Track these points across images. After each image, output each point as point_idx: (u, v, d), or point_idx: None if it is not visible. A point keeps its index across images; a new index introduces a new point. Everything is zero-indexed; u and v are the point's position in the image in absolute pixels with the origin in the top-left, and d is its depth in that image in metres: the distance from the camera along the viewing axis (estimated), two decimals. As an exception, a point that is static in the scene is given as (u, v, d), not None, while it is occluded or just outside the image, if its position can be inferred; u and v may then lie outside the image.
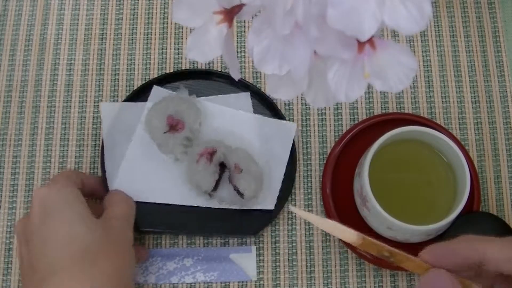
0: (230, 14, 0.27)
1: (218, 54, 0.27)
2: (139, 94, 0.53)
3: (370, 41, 0.25)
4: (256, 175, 0.49)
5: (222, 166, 0.50)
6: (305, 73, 0.26)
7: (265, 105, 0.53)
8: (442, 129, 0.51)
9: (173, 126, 0.50)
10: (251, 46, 0.26)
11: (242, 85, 0.54)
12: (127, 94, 0.54)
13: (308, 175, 0.52)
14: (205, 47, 0.27)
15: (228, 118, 0.53)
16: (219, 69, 0.55)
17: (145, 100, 0.53)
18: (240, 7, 0.26)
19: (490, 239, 0.34)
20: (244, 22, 0.57)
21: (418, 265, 0.34)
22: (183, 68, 0.55)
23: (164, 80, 0.53)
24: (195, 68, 0.55)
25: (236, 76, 0.28)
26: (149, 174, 0.51)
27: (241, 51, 0.57)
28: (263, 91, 0.54)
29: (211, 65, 0.56)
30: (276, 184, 0.51)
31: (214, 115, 0.53)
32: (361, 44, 0.25)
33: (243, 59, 0.56)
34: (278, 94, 0.28)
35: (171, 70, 0.56)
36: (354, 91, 0.25)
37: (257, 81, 0.55)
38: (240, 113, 0.53)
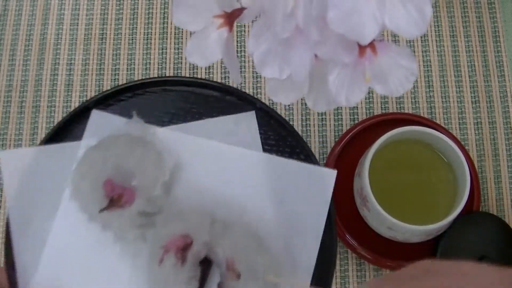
0: (230, 18, 0.27)
1: (218, 58, 0.27)
2: (76, 123, 0.37)
3: (371, 45, 0.25)
4: (268, 282, 0.30)
5: (206, 264, 0.31)
6: (306, 76, 0.26)
7: (278, 131, 0.36)
8: (442, 129, 0.51)
9: (115, 199, 0.32)
10: (251, 51, 0.26)
11: (240, 99, 0.36)
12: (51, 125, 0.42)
13: (308, 175, 0.52)
14: (206, 51, 0.27)
15: (220, 162, 0.34)
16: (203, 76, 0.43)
17: (80, 136, 0.35)
18: (240, 10, 0.26)
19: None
20: (244, 24, 0.57)
21: None
22: (174, 75, 0.45)
23: (113, 97, 0.37)
24: (161, 77, 0.38)
25: (236, 79, 0.28)
26: (87, 270, 0.33)
27: (241, 54, 0.57)
28: (273, 107, 0.39)
29: (194, 70, 0.55)
30: (305, 271, 0.33)
31: (196, 159, 0.33)
32: (362, 48, 0.25)
33: (243, 62, 0.56)
34: (279, 97, 0.28)
35: (171, 71, 0.56)
36: (355, 95, 0.25)
37: (257, 85, 0.55)
38: (240, 152, 0.34)
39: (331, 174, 0.34)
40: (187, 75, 0.55)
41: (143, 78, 0.42)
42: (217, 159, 0.34)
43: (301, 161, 0.35)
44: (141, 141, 0.33)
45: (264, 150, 0.35)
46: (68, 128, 0.37)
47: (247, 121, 0.35)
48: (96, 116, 0.36)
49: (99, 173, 0.32)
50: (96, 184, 0.32)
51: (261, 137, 0.35)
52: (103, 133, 0.35)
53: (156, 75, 0.55)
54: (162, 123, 0.35)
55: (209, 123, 0.35)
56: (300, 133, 0.53)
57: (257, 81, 0.55)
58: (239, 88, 0.40)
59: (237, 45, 0.57)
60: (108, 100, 0.37)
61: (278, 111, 0.54)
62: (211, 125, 0.35)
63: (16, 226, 0.33)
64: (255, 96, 0.44)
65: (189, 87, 0.37)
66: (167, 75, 0.55)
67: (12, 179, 0.34)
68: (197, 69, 0.55)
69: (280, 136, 0.36)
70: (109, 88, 0.55)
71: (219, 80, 0.55)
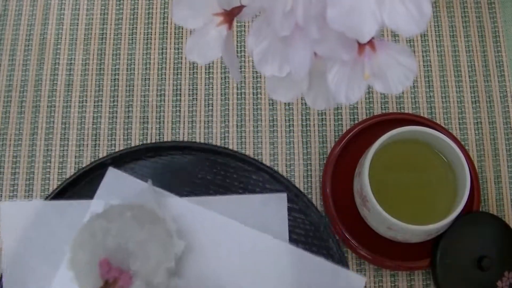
0: (230, 15, 0.27)
1: (218, 56, 0.27)
2: (88, 178, 0.34)
3: (370, 42, 0.25)
4: None
5: None
6: (306, 74, 0.26)
7: (309, 219, 0.32)
8: (442, 129, 0.51)
9: (109, 283, 0.28)
10: (251, 48, 0.26)
11: (272, 177, 0.32)
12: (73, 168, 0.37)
13: (308, 175, 0.52)
14: (205, 49, 0.27)
15: (239, 247, 0.30)
16: (232, 145, 0.37)
17: (91, 194, 0.32)
18: (240, 8, 0.26)
19: None
20: (244, 22, 0.57)
21: None
22: (204, 142, 0.38)
23: (133, 156, 0.34)
24: (190, 142, 0.35)
25: (236, 78, 0.28)
26: None
27: (241, 52, 0.57)
28: (303, 192, 0.33)
29: (194, 70, 0.55)
30: None
31: (212, 240, 0.29)
32: (361, 46, 0.25)
33: (243, 62, 0.56)
34: (278, 95, 0.28)
35: (171, 74, 0.56)
36: (354, 92, 0.25)
37: (257, 84, 0.55)
38: (265, 239, 0.29)
39: (360, 281, 0.30)
40: (187, 75, 0.55)
41: (170, 140, 0.38)
42: (237, 243, 0.30)
43: (330, 259, 0.31)
44: (152, 216, 0.30)
45: (291, 239, 0.31)
46: (79, 182, 0.35)
47: (277, 204, 0.31)
48: (112, 175, 0.34)
49: (98, 247, 0.30)
50: (94, 258, 0.29)
51: (289, 223, 0.31)
52: (116, 194, 0.32)
53: (156, 75, 0.55)
54: (182, 192, 0.32)
55: (234, 199, 0.31)
56: (300, 132, 0.53)
57: (257, 80, 0.55)
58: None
59: (237, 45, 0.57)
60: (126, 158, 0.35)
61: (278, 112, 0.54)
62: (236, 202, 0.31)
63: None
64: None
65: (217, 155, 0.35)
66: (159, 83, 0.55)
67: (11, 235, 0.31)
68: (197, 68, 0.55)
69: (311, 225, 0.32)
70: (108, 86, 0.55)
71: (219, 80, 0.55)
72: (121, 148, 0.53)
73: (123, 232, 0.30)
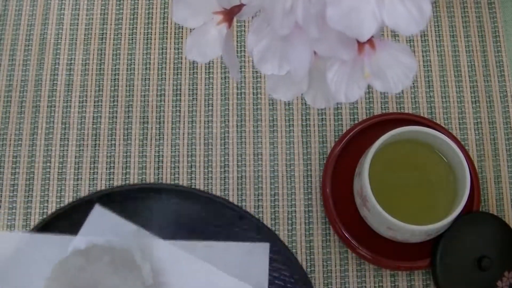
0: (230, 14, 0.27)
1: (217, 55, 0.27)
2: (75, 212, 0.33)
3: (370, 41, 0.25)
4: None
5: None
6: (305, 73, 0.26)
7: (289, 270, 0.32)
8: (442, 129, 0.51)
9: None
10: (251, 47, 0.26)
11: (248, 225, 0.32)
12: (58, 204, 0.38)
13: (308, 175, 0.52)
14: (205, 48, 0.27)
15: None
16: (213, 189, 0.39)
17: (75, 230, 0.32)
18: (240, 7, 0.26)
19: None
20: (244, 22, 0.57)
21: None
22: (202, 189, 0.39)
23: (122, 194, 0.35)
24: (175, 185, 0.36)
25: (236, 77, 0.28)
26: None
27: (241, 51, 0.57)
28: (283, 242, 0.34)
29: (194, 70, 0.55)
30: None
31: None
32: (361, 45, 0.25)
33: (243, 62, 0.56)
34: (278, 94, 0.28)
35: (171, 74, 0.56)
36: (353, 91, 0.25)
37: (257, 84, 0.55)
38: None
39: None
40: (187, 75, 0.55)
41: (156, 183, 0.39)
42: None
43: None
44: (130, 263, 0.29)
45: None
46: (65, 217, 0.34)
47: (259, 254, 0.31)
48: (98, 213, 0.33)
49: (70, 283, 0.29)
50: None
51: (270, 274, 0.31)
52: (100, 233, 0.32)
53: (156, 75, 0.55)
54: (166, 234, 0.32)
55: (217, 246, 0.31)
56: (300, 132, 0.53)
57: (257, 80, 0.55)
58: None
59: (237, 44, 0.57)
60: (114, 196, 0.35)
61: (278, 112, 0.54)
62: (219, 249, 0.31)
63: None
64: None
65: (203, 201, 0.35)
66: (159, 81, 0.55)
67: None
68: (197, 68, 0.55)
69: (289, 276, 0.32)
70: (108, 86, 0.55)
71: (219, 80, 0.55)
72: (121, 147, 0.53)
73: (96, 274, 0.29)
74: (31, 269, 0.31)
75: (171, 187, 0.38)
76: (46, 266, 0.30)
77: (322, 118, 0.54)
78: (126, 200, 0.35)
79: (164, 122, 0.54)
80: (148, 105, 0.55)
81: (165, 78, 0.55)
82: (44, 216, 0.51)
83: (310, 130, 0.54)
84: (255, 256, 0.31)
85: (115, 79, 0.55)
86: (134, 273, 0.29)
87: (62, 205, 0.51)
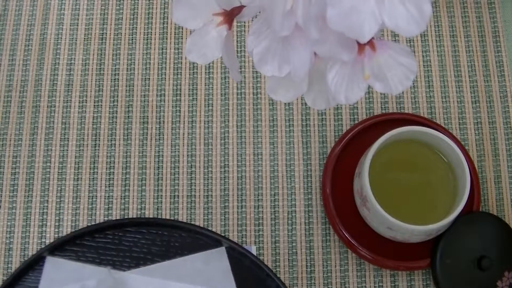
0: (230, 15, 0.27)
1: (217, 56, 0.27)
2: (35, 270, 0.34)
3: (370, 42, 0.25)
4: None
5: None
6: (305, 74, 0.26)
7: (253, 273, 0.32)
8: (442, 129, 0.51)
9: None
10: (251, 48, 0.26)
11: (207, 238, 0.34)
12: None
13: (308, 175, 0.52)
14: (205, 49, 0.27)
15: None
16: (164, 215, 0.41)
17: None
18: (240, 8, 0.26)
19: None
20: (244, 23, 0.57)
21: None
22: (134, 217, 0.41)
23: (71, 241, 0.35)
24: (120, 220, 0.38)
25: (236, 78, 0.28)
26: None
27: (241, 52, 0.57)
28: (243, 244, 0.36)
29: (194, 70, 0.55)
30: None
31: None
32: (361, 46, 0.25)
33: (243, 62, 0.56)
34: (278, 95, 0.28)
35: (171, 74, 0.56)
36: (354, 93, 0.25)
37: (257, 85, 0.55)
38: None
39: None
40: (187, 75, 0.55)
41: (101, 222, 0.41)
42: None
43: None
44: None
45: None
46: (26, 277, 0.35)
47: (218, 259, 0.32)
48: (51, 264, 0.32)
49: None
50: None
51: (235, 278, 0.32)
52: (60, 284, 0.31)
53: (156, 75, 0.55)
54: (125, 266, 0.33)
55: (176, 263, 0.32)
56: (300, 132, 0.53)
57: (257, 80, 0.55)
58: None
59: (237, 45, 0.57)
60: (64, 246, 0.36)
61: (278, 112, 0.54)
62: (179, 265, 0.32)
63: None
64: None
65: (153, 227, 0.36)
66: (159, 83, 0.55)
67: None
68: (197, 68, 0.55)
69: (258, 280, 0.33)
70: (108, 86, 0.55)
71: (219, 80, 0.55)
72: (121, 147, 0.53)
73: None
74: None
75: (116, 222, 0.39)
76: None
77: (322, 118, 0.54)
78: (76, 246, 0.36)
79: (164, 122, 0.54)
80: (148, 105, 0.55)
81: (165, 78, 0.55)
82: (44, 220, 0.51)
83: (310, 130, 0.54)
84: (215, 262, 0.32)
85: (115, 79, 0.55)
86: None
87: (62, 205, 0.52)
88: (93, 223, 0.51)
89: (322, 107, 0.27)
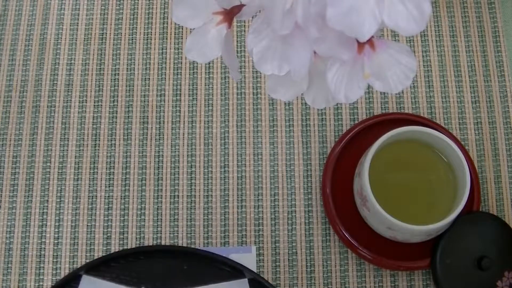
0: (229, 14, 0.27)
1: (217, 55, 0.27)
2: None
3: (370, 41, 0.25)
4: None
5: None
6: (305, 73, 0.26)
7: None
8: (442, 129, 0.51)
9: None
10: (250, 47, 0.26)
11: (232, 269, 0.36)
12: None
13: (308, 175, 0.52)
14: (205, 48, 0.27)
15: None
16: (199, 244, 0.44)
17: None
18: (239, 7, 0.26)
19: None
20: (244, 22, 0.57)
21: None
22: (169, 244, 0.43)
23: (105, 263, 0.37)
24: (156, 246, 0.41)
25: (236, 77, 0.28)
26: None
27: (241, 51, 0.57)
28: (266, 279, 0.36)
29: (194, 70, 0.55)
30: None
31: None
32: (360, 45, 0.25)
33: (243, 62, 0.56)
34: (278, 94, 0.28)
35: (171, 74, 0.56)
36: (353, 91, 0.25)
37: (257, 84, 0.55)
38: None
39: None
40: (187, 75, 0.55)
41: (136, 246, 0.43)
42: None
43: None
44: None
45: None
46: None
47: None
48: (87, 283, 0.34)
49: None
50: None
51: None
52: None
53: (156, 75, 0.55)
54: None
55: None
56: (300, 132, 0.53)
57: (257, 80, 0.55)
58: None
59: (237, 44, 0.57)
60: (99, 266, 0.38)
61: (278, 112, 0.54)
62: None
63: None
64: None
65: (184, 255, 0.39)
66: (159, 84, 0.55)
67: None
68: (197, 68, 0.55)
69: None
70: (108, 86, 0.55)
71: (219, 80, 0.55)
72: (121, 147, 0.53)
73: None
74: None
75: (149, 248, 0.42)
76: None
77: (322, 118, 0.54)
78: (110, 267, 0.38)
79: (164, 122, 0.54)
80: (148, 105, 0.55)
81: (165, 78, 0.55)
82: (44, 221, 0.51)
83: (310, 130, 0.54)
84: None
85: (115, 79, 0.55)
86: None
87: (62, 205, 0.52)
88: (93, 223, 0.51)
89: (321, 106, 0.27)
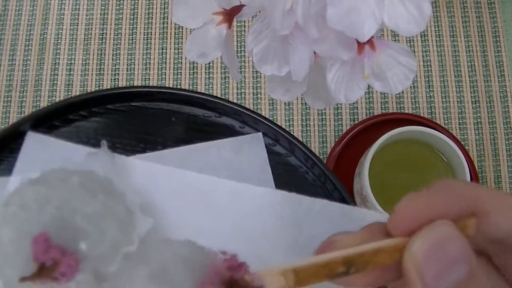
0: (229, 15, 0.27)
1: (217, 55, 0.27)
2: (8, 151, 0.26)
3: (370, 42, 0.25)
4: None
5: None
6: (305, 74, 0.26)
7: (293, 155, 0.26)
8: (442, 129, 0.51)
9: (46, 267, 0.20)
10: (250, 48, 0.25)
11: (236, 115, 0.27)
12: None
13: (308, 175, 0.52)
14: (205, 48, 0.27)
15: (217, 208, 0.23)
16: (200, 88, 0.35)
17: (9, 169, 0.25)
18: (239, 8, 0.26)
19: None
20: (244, 22, 0.57)
21: (395, 247, 0.23)
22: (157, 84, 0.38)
23: (59, 115, 0.27)
24: (127, 88, 0.29)
25: (236, 77, 0.28)
26: None
27: (241, 51, 0.57)
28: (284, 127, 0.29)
29: (194, 70, 0.55)
30: None
31: (183, 203, 0.23)
32: (360, 45, 0.25)
33: (243, 62, 0.56)
34: (278, 95, 0.28)
35: (171, 74, 0.56)
36: (353, 92, 0.25)
37: (257, 84, 0.55)
38: (245, 190, 0.23)
39: (379, 216, 0.23)
40: (187, 75, 0.55)
41: (101, 89, 0.32)
42: (215, 202, 0.23)
43: (329, 199, 0.25)
44: (106, 186, 0.22)
45: (277, 186, 0.26)
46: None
47: (252, 147, 0.24)
48: (33, 141, 0.24)
49: (31, 220, 0.21)
50: (23, 235, 0.20)
51: (273, 170, 0.26)
52: (43, 166, 0.23)
53: (156, 75, 0.55)
54: (129, 150, 0.25)
55: (198, 149, 0.24)
56: (300, 132, 0.53)
57: (257, 80, 0.55)
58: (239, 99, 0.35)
59: (237, 45, 0.57)
60: (52, 120, 0.27)
61: (278, 112, 0.54)
62: (203, 152, 0.24)
63: None
64: (255, 104, 0.41)
65: (169, 103, 0.27)
66: (159, 84, 0.55)
67: None
68: (197, 68, 0.55)
69: (291, 167, 0.27)
70: (108, 86, 0.55)
71: (219, 80, 0.55)
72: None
73: (68, 202, 0.21)
74: None
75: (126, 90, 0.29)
76: None
77: (322, 118, 0.54)
78: (68, 123, 0.27)
79: (164, 122, 0.54)
80: (148, 105, 0.55)
81: (165, 78, 0.55)
82: None
83: (310, 130, 0.54)
84: (247, 150, 0.25)
85: (115, 79, 0.55)
86: (116, 199, 0.22)
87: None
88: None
89: (321, 107, 0.27)
